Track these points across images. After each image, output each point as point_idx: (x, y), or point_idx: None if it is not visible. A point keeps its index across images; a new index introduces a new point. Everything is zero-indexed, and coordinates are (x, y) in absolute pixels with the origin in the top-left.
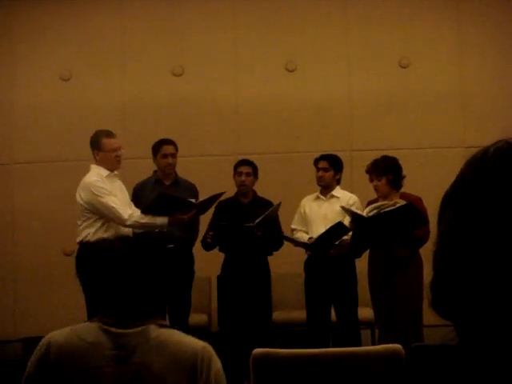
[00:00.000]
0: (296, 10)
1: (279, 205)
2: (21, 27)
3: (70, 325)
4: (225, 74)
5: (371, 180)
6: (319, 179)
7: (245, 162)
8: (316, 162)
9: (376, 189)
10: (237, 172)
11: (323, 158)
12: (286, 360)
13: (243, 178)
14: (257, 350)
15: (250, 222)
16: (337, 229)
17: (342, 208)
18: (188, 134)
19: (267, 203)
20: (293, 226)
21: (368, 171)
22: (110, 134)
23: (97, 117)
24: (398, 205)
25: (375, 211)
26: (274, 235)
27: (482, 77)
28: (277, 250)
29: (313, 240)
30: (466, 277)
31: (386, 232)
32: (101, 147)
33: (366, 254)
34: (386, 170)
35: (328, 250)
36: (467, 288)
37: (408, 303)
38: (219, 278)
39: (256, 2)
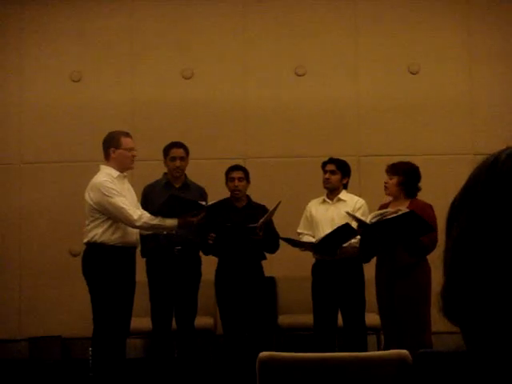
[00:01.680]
0: (306, 15)
1: (279, 204)
2: (31, 28)
3: (74, 325)
4: (234, 78)
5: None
6: (326, 181)
7: (236, 168)
8: (324, 164)
9: (386, 187)
10: (229, 178)
11: (331, 161)
12: (292, 364)
13: (236, 183)
14: (263, 354)
15: (248, 225)
16: (344, 230)
17: (348, 214)
18: (196, 137)
19: (261, 208)
20: (299, 230)
21: (386, 171)
22: (128, 134)
23: (106, 118)
24: (400, 212)
25: (378, 218)
26: (270, 237)
27: (490, 83)
28: (273, 252)
29: (318, 239)
30: (480, 282)
31: (389, 239)
32: (119, 145)
33: (374, 260)
34: (400, 171)
35: (334, 252)
36: (481, 294)
37: (413, 310)
38: (216, 283)
39: (266, 6)
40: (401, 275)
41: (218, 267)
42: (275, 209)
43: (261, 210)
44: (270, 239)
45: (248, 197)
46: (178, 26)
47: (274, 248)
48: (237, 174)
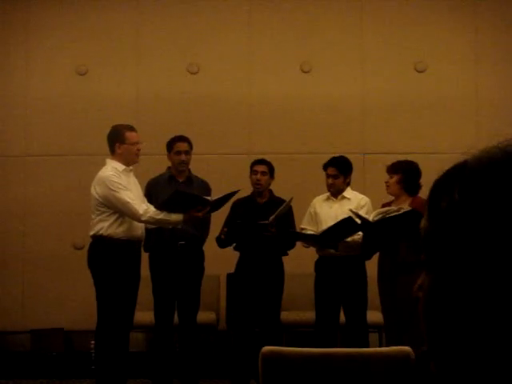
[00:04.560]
0: (312, 11)
1: (291, 200)
2: (37, 21)
3: (77, 317)
4: (240, 74)
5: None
6: (329, 186)
7: (260, 161)
8: (325, 167)
9: (387, 186)
10: (252, 171)
11: (332, 164)
12: (295, 359)
13: (258, 176)
14: (266, 348)
15: (264, 220)
16: (347, 224)
17: (351, 211)
18: (201, 132)
19: (283, 203)
20: (302, 226)
21: (386, 171)
22: (132, 128)
23: (111, 112)
24: (402, 210)
25: (380, 216)
26: (288, 232)
27: (497, 82)
28: (291, 248)
29: (321, 231)
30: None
31: (391, 236)
32: (124, 140)
33: (376, 258)
34: (399, 170)
35: (336, 244)
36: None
37: (416, 307)
38: (230, 276)
39: (272, 2)
40: (403, 272)
41: (239, 261)
42: (287, 205)
43: (282, 205)
44: (287, 236)
45: (270, 192)
46: (184, 21)
47: (290, 245)
48: (260, 167)
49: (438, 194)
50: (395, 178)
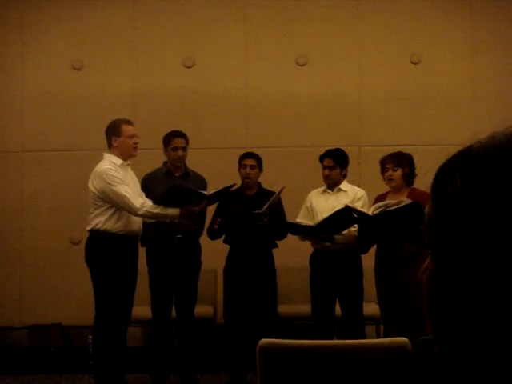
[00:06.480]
0: (307, 4)
1: (282, 190)
2: (32, 16)
3: (74, 313)
4: (235, 67)
5: (385, 171)
6: (326, 178)
7: (249, 155)
8: (321, 159)
9: (390, 179)
10: (241, 165)
11: (328, 155)
12: (292, 351)
13: (248, 170)
14: (263, 341)
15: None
16: (343, 215)
17: (347, 206)
18: (197, 126)
19: (271, 195)
20: (298, 220)
21: (383, 162)
22: (129, 122)
23: (107, 107)
24: (403, 203)
25: (380, 209)
26: (279, 223)
27: (493, 73)
28: (281, 239)
29: (317, 222)
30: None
31: (391, 230)
32: (120, 133)
33: (373, 250)
34: (404, 162)
35: (332, 237)
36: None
37: (414, 299)
38: (225, 270)
39: None
40: (402, 264)
41: (229, 254)
42: (279, 194)
43: (271, 196)
44: (278, 227)
45: (259, 184)
46: (179, 15)
47: (281, 235)
48: (249, 161)
49: (442, 180)
50: (400, 171)
